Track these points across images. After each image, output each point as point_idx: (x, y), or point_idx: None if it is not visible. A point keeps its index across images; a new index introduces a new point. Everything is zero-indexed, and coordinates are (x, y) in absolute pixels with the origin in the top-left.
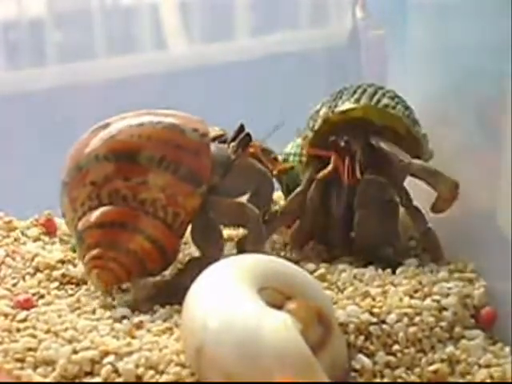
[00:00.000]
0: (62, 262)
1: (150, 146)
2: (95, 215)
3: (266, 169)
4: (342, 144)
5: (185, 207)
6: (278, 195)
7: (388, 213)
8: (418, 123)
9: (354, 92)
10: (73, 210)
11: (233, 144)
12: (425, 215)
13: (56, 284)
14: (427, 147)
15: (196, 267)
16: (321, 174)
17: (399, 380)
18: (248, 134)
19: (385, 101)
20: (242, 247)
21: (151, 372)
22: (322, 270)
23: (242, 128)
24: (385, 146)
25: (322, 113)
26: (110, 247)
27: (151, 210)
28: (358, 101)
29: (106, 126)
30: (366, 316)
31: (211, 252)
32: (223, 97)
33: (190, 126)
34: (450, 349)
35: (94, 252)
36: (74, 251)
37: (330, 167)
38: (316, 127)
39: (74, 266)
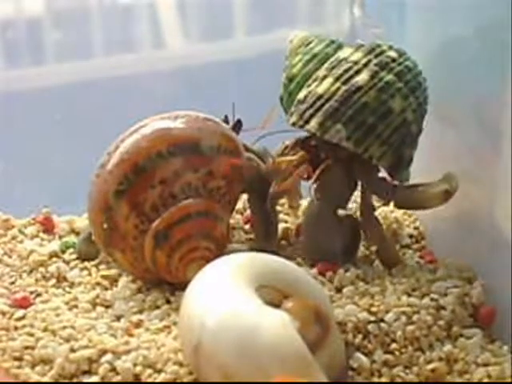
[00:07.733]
0: (57, 256)
1: (205, 136)
2: (179, 210)
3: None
4: (312, 144)
5: (235, 194)
6: None
7: (341, 228)
8: (405, 153)
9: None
10: (138, 215)
11: None
12: (382, 229)
13: (53, 282)
14: (405, 175)
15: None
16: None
17: (397, 379)
18: (239, 120)
19: (364, 147)
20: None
21: (149, 371)
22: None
23: (226, 119)
24: (361, 176)
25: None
26: (202, 237)
27: (217, 198)
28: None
29: (144, 126)
30: (364, 315)
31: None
32: (222, 95)
33: (205, 116)
34: (448, 347)
35: (190, 245)
36: (66, 248)
37: (294, 159)
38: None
39: (67, 262)
